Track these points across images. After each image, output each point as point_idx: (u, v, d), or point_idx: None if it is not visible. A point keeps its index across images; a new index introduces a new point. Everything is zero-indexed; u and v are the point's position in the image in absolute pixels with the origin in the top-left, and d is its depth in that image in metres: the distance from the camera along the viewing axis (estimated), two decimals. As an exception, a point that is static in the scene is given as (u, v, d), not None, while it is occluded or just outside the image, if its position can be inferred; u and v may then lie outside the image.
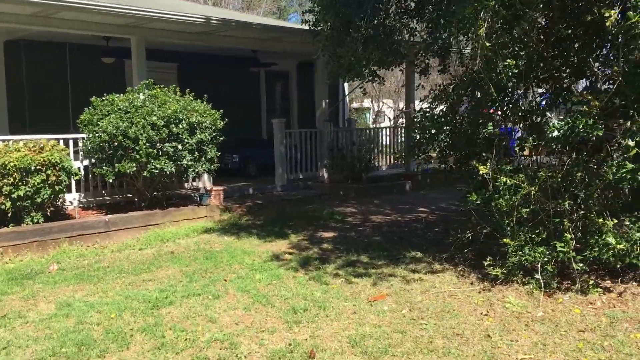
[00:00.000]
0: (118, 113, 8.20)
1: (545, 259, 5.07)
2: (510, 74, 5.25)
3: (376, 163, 13.36)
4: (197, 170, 8.73)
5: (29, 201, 7.40)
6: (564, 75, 5.93)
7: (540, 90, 6.57)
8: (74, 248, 7.43)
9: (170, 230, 8.28)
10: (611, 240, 4.78)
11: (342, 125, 15.63)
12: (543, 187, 5.20)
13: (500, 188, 5.39)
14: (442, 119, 6.23)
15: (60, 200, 8.28)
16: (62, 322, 4.84)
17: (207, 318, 4.90)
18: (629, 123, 4.84)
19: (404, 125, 14.18)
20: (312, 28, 9.29)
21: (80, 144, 8.72)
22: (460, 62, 8.70)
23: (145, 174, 8.22)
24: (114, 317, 4.93)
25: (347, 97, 16.98)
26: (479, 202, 5.57)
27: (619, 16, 4.40)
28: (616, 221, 4.93)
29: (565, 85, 5.99)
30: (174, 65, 12.93)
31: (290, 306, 5.08)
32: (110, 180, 8.55)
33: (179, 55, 12.66)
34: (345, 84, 16.75)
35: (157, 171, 8.18)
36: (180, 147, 8.33)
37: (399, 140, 13.90)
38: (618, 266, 4.96)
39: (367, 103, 35.37)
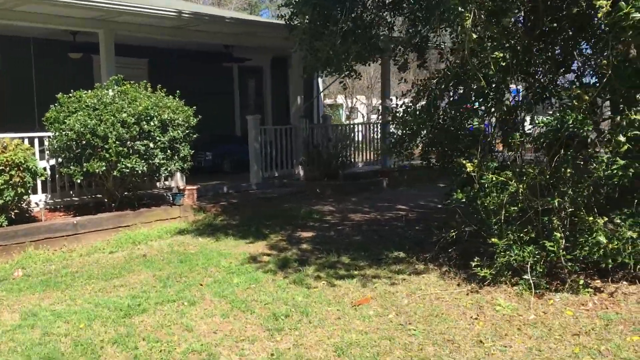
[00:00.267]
0: (86, 110, 7.83)
1: (535, 259, 4.92)
2: (497, 67, 5.07)
3: (352, 160, 13.15)
4: (169, 169, 8.41)
5: (-9, 203, 7.02)
6: (551, 69, 5.79)
7: (516, 87, 6.44)
8: (40, 252, 7.05)
9: (142, 232, 7.95)
10: (602, 238, 4.63)
11: (317, 121, 15.39)
12: (531, 185, 5.05)
13: (486, 185, 5.22)
14: (425, 115, 6.03)
15: (26, 202, 7.89)
16: (27, 334, 4.53)
17: (183, 326, 4.63)
18: (618, 118, 4.70)
19: (380, 121, 14.00)
20: (287, 22, 9.03)
21: (46, 143, 8.32)
22: (440, 56, 8.54)
23: (115, 173, 7.88)
24: (83, 327, 4.63)
25: (321, 93, 16.75)
26: (464, 200, 5.39)
27: (611, 8, 4.24)
28: (606, 219, 4.79)
29: (549, 79, 5.84)
30: (144, 61, 12.54)
31: (270, 312, 4.84)
32: (79, 181, 8.18)
33: (150, 51, 12.27)
34: (320, 80, 16.52)
35: (127, 170, 7.84)
36: (152, 145, 8.00)
37: (376, 137, 13.72)
38: (608, 265, 4.81)
39: (340, 99, 35.25)
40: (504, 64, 5.13)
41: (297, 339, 4.32)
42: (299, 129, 11.93)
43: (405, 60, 8.55)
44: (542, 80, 5.83)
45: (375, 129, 13.76)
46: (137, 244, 7.49)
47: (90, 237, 7.70)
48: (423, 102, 6.42)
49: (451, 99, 6.43)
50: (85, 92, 8.20)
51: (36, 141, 8.18)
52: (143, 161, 7.94)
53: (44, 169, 8.01)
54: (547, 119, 4.85)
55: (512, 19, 5.16)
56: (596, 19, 5.28)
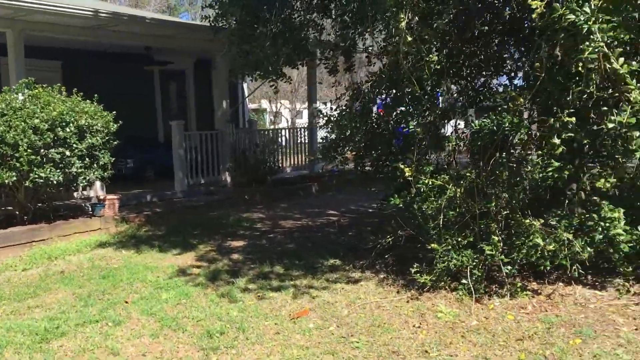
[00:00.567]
0: (-7, 116, 7.21)
1: (474, 263, 4.87)
2: (431, 70, 5.00)
3: (280, 165, 12.93)
4: (88, 178, 7.87)
5: None
6: (484, 72, 5.80)
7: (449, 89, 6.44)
8: (-59, 273, 6.39)
9: (59, 247, 7.38)
10: (539, 241, 4.64)
11: (243, 126, 15.05)
12: (468, 188, 5.00)
13: (423, 190, 5.14)
14: (359, 118, 5.90)
15: None
16: None
17: (108, 350, 4.25)
18: (552, 120, 4.72)
19: (307, 126, 13.85)
20: (212, 24, 8.71)
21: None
22: (368, 60, 8.47)
23: (27, 184, 7.28)
24: (-7, 357, 4.16)
25: (246, 98, 16.43)
26: (401, 205, 5.29)
27: (545, 9, 4.25)
28: (542, 221, 4.81)
29: (482, 82, 5.86)
30: (58, 64, 11.77)
31: (204, 329, 4.53)
32: (-14, 192, 7.53)
33: (65, 52, 11.53)
34: (245, 84, 16.20)
35: (41, 181, 7.26)
36: (68, 153, 7.45)
37: (304, 141, 13.57)
38: (546, 267, 4.82)
39: (264, 104, 34.96)
40: (438, 67, 5.07)
41: (234, 357, 4.05)
42: (226, 134, 11.58)
43: (335, 63, 8.43)
44: (475, 83, 5.83)
45: (303, 134, 13.61)
46: (54, 260, 6.93)
47: (1, 253, 7.07)
48: (357, 106, 6.29)
49: (384, 102, 6.33)
50: (-8, 96, 7.56)
51: (-64, 150, 7.43)
52: (58, 170, 7.39)
53: (-55, 180, 7.30)
54: (483, 121, 4.82)
55: (446, 21, 5.10)
56: (527, 22, 5.33)
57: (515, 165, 5.30)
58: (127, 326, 4.70)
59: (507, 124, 4.62)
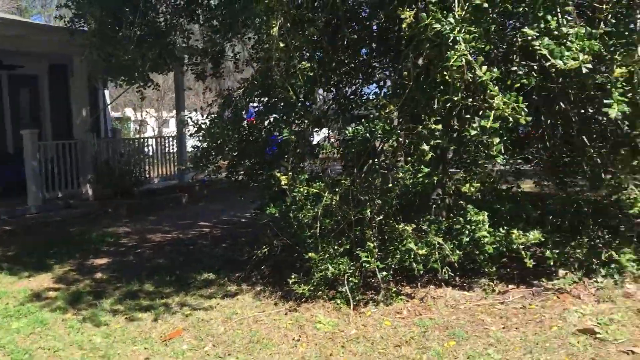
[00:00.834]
0: None
1: (350, 270, 4.85)
2: (304, 78, 4.94)
3: (148, 175, 12.32)
4: None
5: None
6: (354, 80, 5.85)
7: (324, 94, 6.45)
8: None
9: None
10: (412, 245, 4.71)
11: (106, 135, 14.20)
12: (343, 195, 4.99)
13: (298, 198, 5.05)
14: (231, 126, 5.70)
15: None
16: None
17: (-54, 393, 3.70)
18: (420, 127, 4.84)
19: (175, 134, 13.36)
20: (68, 24, 8.08)
21: None
22: (236, 67, 8.30)
23: None
24: None
25: (108, 105, 15.52)
26: (277, 214, 5.17)
27: (413, 19, 4.34)
28: (414, 226, 4.90)
29: (353, 90, 5.91)
30: None
31: (63, 360, 4.10)
32: None
33: None
34: (107, 91, 15.31)
35: None
36: None
37: (172, 150, 13.06)
38: (419, 271, 4.92)
39: (129, 112, 33.44)
40: (311, 74, 5.02)
41: (100, 389, 3.69)
42: (86, 143, 10.81)
43: (203, 70, 8.16)
44: (346, 91, 5.86)
45: (172, 143, 13.10)
46: None
47: None
48: (229, 114, 6.08)
49: (256, 110, 6.18)
50: None
51: None
52: None
53: None
54: (357, 128, 4.83)
55: (318, 29, 5.07)
56: (393, 34, 5.44)
57: (386, 171, 5.39)
58: (-29, 363, 4.14)
59: (379, 131, 4.65)
